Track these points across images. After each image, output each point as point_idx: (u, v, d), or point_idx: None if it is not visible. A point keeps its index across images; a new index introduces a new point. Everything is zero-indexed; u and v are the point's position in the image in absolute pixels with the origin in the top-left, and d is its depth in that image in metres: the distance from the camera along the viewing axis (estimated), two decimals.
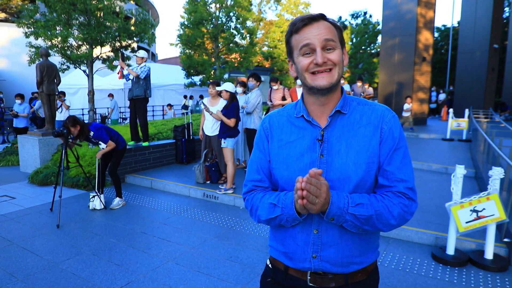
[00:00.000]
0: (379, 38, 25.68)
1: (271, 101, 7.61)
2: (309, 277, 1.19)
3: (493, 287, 2.98)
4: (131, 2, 16.48)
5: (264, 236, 4.09)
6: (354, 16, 33.49)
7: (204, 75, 16.77)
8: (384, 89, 14.58)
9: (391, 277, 3.15)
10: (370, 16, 34.46)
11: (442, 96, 19.43)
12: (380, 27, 25.31)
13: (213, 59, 16.93)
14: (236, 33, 17.08)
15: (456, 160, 7.46)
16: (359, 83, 11.42)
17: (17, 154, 8.83)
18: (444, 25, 34.46)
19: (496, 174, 3.11)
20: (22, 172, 7.74)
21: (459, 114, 13.27)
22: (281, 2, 27.96)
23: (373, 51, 27.79)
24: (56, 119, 11.64)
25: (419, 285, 3.01)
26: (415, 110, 14.03)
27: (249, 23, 17.87)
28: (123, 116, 16.82)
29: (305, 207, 1.02)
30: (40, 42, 12.22)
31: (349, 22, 33.85)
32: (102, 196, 5.10)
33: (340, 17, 42.85)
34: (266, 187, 1.28)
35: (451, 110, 10.73)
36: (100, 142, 4.89)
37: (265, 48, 25.76)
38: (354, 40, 27.60)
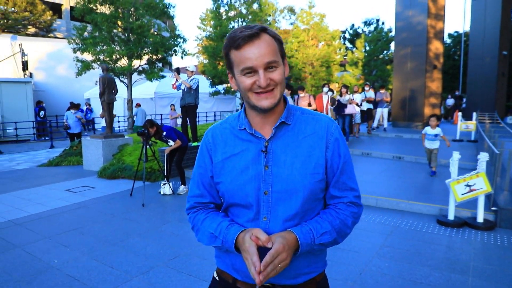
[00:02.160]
0: (392, 45, 26.65)
1: None
2: None
3: (481, 240, 4.08)
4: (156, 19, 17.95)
5: None
6: (367, 23, 34.50)
7: (228, 84, 18.13)
8: (398, 95, 15.62)
9: (406, 234, 4.27)
10: (383, 23, 35.38)
11: (450, 102, 20.27)
12: (392, 33, 26.30)
13: None
14: None
15: (462, 157, 8.49)
16: (382, 90, 12.60)
17: (76, 155, 10.20)
18: (456, 32, 35.22)
19: (483, 157, 4.22)
20: (86, 170, 9.05)
21: (470, 118, 14.23)
22: (297, 14, 29.27)
23: (386, 58, 28.69)
24: (102, 125, 13.08)
25: (427, 238, 4.13)
26: (428, 114, 15.03)
27: None
28: None
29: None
30: (85, 56, 13.68)
31: (362, 30, 34.87)
32: (170, 183, 6.34)
33: (353, 25, 43.88)
34: (207, 202, 1.29)
35: (459, 114, 11.74)
36: (169, 140, 6.14)
37: None
38: (368, 48, 28.57)
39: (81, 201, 6.03)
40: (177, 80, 7.68)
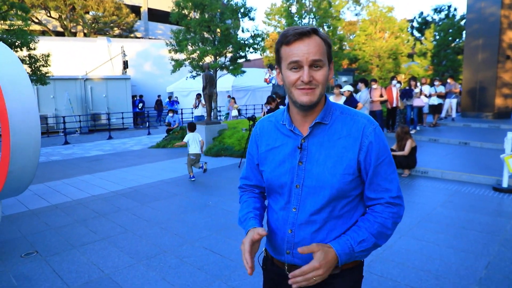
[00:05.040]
0: (464, 34, 25.99)
1: (371, 97, 10.03)
2: (286, 267, 1.34)
3: None
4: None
5: None
6: (437, 10, 33.20)
7: None
8: (467, 86, 15.95)
9: (466, 195, 5.49)
10: (455, 9, 33.88)
11: None
12: (464, 21, 25.64)
13: None
14: None
15: None
16: (451, 81, 13.34)
17: (178, 139, 12.34)
18: None
19: None
20: None
21: None
22: (362, 6, 29.65)
23: (457, 46, 27.75)
24: (194, 114, 15.28)
25: (482, 198, 5.33)
26: (499, 104, 15.21)
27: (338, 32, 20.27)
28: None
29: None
30: (177, 56, 15.92)
31: (432, 17, 33.72)
32: None
33: (422, 13, 42.42)
34: (252, 185, 1.52)
35: None
36: None
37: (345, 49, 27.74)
38: (437, 37, 27.92)
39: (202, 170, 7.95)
40: (270, 75, 9.34)
